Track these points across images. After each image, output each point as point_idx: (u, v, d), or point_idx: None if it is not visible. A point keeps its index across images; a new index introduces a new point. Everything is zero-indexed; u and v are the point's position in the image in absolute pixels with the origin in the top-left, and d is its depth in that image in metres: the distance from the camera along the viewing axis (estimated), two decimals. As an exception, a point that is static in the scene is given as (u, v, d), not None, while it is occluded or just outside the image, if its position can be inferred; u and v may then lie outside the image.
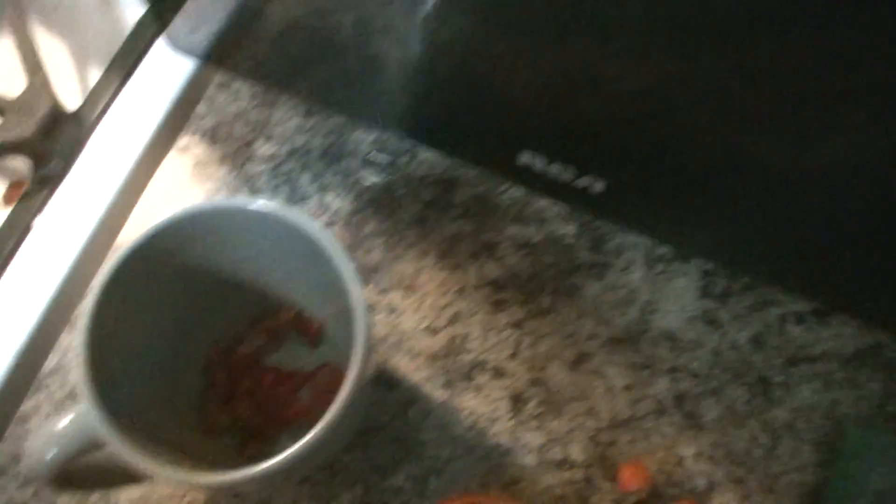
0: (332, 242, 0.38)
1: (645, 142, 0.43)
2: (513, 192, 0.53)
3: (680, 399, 0.49)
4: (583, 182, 0.46)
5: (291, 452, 0.34)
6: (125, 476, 0.41)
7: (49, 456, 0.36)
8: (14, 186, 0.59)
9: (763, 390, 0.48)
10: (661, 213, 0.48)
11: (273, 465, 0.34)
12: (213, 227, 0.40)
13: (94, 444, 0.36)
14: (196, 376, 0.47)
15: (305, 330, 0.47)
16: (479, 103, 0.48)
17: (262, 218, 0.39)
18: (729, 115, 0.39)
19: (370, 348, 0.37)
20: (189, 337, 0.46)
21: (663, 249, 0.51)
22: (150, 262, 0.40)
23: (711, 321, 0.50)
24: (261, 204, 0.39)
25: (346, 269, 0.37)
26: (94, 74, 0.60)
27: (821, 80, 0.34)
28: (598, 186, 0.46)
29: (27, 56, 0.57)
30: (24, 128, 0.54)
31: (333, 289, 0.39)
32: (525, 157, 0.47)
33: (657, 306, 0.50)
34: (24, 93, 0.56)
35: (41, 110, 0.55)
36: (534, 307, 0.50)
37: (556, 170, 0.46)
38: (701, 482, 0.47)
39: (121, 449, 0.35)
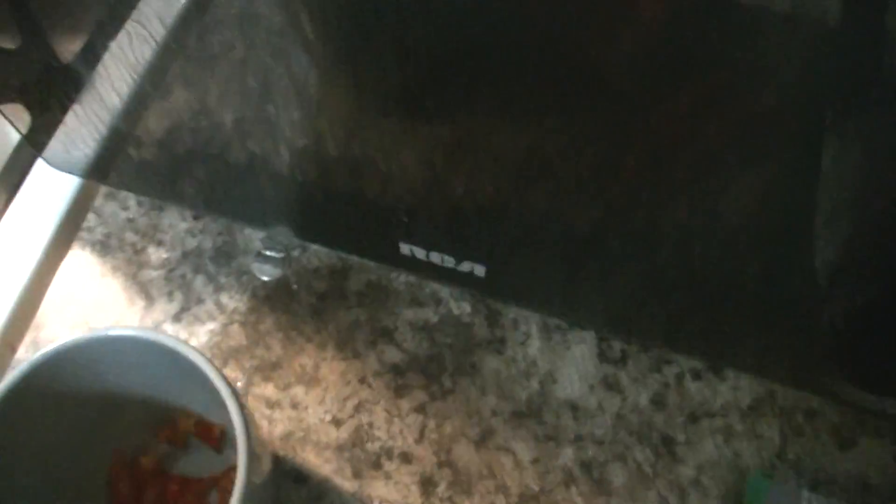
0: (203, 361, 0.38)
1: (510, 226, 0.44)
2: (405, 277, 0.54)
3: (587, 467, 0.49)
4: (465, 267, 0.47)
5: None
6: None
7: None
8: None
9: (667, 450, 0.49)
10: (544, 289, 0.49)
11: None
12: (88, 355, 0.40)
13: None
14: (99, 491, 0.46)
15: (208, 435, 0.47)
16: (353, 202, 0.49)
17: (129, 342, 0.40)
18: (590, 192, 0.40)
19: (255, 456, 0.36)
20: (88, 453, 0.45)
21: (557, 320, 0.52)
22: (28, 400, 0.39)
23: (612, 386, 0.51)
24: (121, 331, 0.40)
25: (220, 384, 0.37)
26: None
27: (683, 149, 0.36)
28: (480, 270, 0.47)
29: None
30: None
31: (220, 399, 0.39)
32: (406, 249, 0.47)
33: (557, 376, 0.51)
34: None
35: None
36: (436, 389, 0.51)
37: (437, 258, 0.47)
38: (615, 548, 0.47)
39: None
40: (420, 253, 0.47)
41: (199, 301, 0.54)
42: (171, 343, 0.38)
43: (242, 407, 0.37)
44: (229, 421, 0.42)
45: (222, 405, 0.40)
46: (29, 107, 0.53)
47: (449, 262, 0.47)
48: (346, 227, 0.51)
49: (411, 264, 0.49)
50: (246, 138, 0.50)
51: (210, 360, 0.38)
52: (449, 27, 0.35)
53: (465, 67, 0.37)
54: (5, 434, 0.39)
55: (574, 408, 0.50)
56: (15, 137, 0.60)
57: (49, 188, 0.57)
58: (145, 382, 0.44)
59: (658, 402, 0.50)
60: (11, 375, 0.39)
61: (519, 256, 0.46)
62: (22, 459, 0.41)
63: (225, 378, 0.37)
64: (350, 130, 0.45)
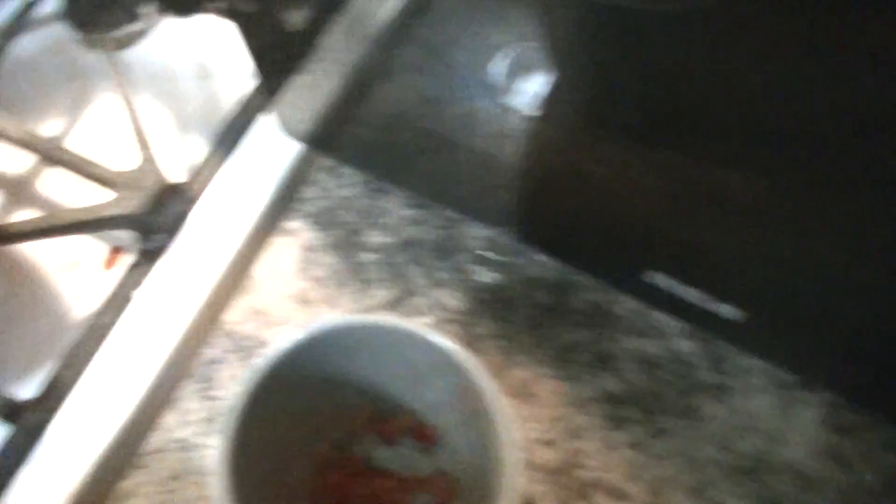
0: (485, 381, 0.37)
1: (791, 271, 0.41)
2: (630, 303, 0.51)
3: (806, 538, 0.46)
4: (714, 307, 0.45)
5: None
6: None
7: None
8: (114, 251, 0.57)
9: (892, 536, 0.46)
10: (795, 344, 0.46)
11: None
12: (344, 339, 0.39)
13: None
14: (308, 475, 0.44)
15: (420, 434, 0.45)
16: (597, 215, 0.46)
17: (398, 336, 0.38)
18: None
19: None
20: (304, 436, 0.43)
21: (787, 376, 0.49)
22: (279, 374, 0.39)
23: (839, 458, 0.48)
24: (399, 323, 0.39)
25: (500, 414, 0.36)
26: (196, 146, 0.58)
27: None
28: (733, 314, 0.44)
29: (136, 129, 0.56)
30: (135, 203, 0.53)
31: (462, 401, 0.37)
32: (651, 277, 0.45)
33: (780, 436, 0.48)
34: (136, 167, 0.54)
35: (150, 185, 0.54)
36: (653, 427, 0.48)
37: (687, 293, 0.44)
38: None
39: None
40: (669, 284, 0.44)
41: (414, 293, 0.52)
42: (442, 344, 0.37)
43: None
44: (454, 421, 0.40)
45: (458, 405, 0.38)
46: (261, 69, 0.52)
47: (700, 298, 0.44)
48: (583, 243, 0.49)
49: (650, 293, 0.46)
50: (477, 134, 0.49)
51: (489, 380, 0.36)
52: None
53: (723, 99, 0.35)
54: (252, 410, 0.38)
55: (797, 473, 0.47)
56: (230, 92, 0.60)
57: (270, 151, 0.57)
58: (377, 373, 0.43)
59: (889, 484, 0.47)
60: (271, 356, 0.38)
61: (787, 307, 0.43)
62: (254, 441, 0.39)
63: (502, 402, 0.36)
64: (592, 147, 0.43)
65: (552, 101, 0.44)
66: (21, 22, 0.66)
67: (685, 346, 0.50)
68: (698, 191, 0.41)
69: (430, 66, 0.51)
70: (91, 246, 0.56)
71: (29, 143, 0.57)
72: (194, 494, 0.47)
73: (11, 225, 0.55)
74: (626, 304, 0.51)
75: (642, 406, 0.49)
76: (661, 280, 0.45)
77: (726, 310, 0.44)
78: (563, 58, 0.43)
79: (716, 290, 0.43)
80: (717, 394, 0.49)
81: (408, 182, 0.55)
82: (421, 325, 0.38)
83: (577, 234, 0.49)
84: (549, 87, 0.45)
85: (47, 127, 0.61)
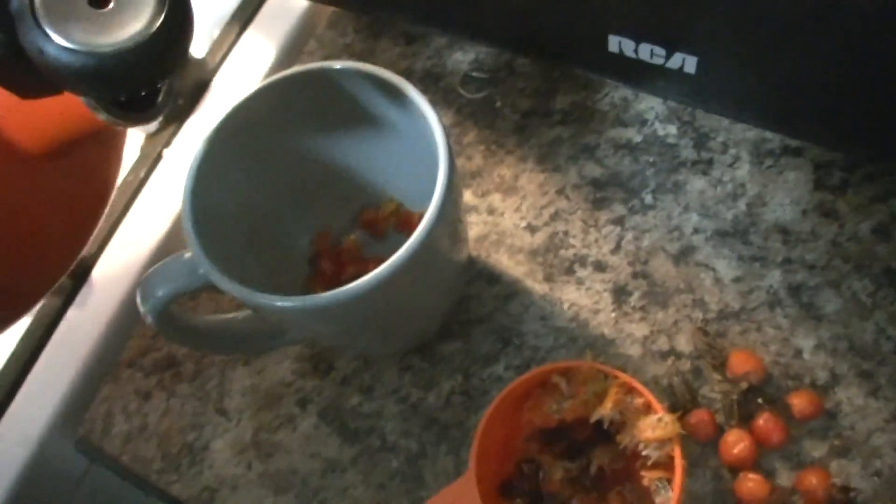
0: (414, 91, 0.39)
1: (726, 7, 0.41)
2: (612, 97, 0.52)
3: (795, 291, 0.46)
4: (675, 62, 0.45)
5: (378, 272, 0.35)
6: (224, 339, 0.43)
7: (161, 292, 0.38)
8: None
9: (889, 281, 0.45)
10: (763, 91, 0.46)
11: (361, 284, 0.35)
12: (305, 94, 0.42)
13: (199, 285, 0.38)
14: (302, 265, 0.48)
15: (406, 223, 0.48)
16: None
17: (346, 77, 0.41)
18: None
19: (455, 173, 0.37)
20: (294, 223, 0.47)
21: (772, 144, 0.49)
22: (250, 128, 0.42)
23: (828, 213, 0.47)
24: (342, 63, 0.41)
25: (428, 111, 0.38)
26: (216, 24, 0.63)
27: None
28: (691, 65, 0.45)
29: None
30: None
31: (427, 154, 0.39)
32: (615, 43, 0.46)
33: (767, 199, 0.48)
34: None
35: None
36: (636, 204, 0.49)
37: (646, 52, 0.45)
38: (822, 375, 0.44)
39: (218, 280, 0.37)
40: (629, 47, 0.45)
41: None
42: (380, 72, 0.39)
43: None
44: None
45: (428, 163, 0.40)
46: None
47: (658, 56, 0.45)
48: (554, 27, 0.50)
49: (618, 65, 0.47)
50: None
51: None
52: None
53: None
54: (222, 161, 0.41)
55: (784, 231, 0.47)
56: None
57: (277, 17, 0.61)
58: (352, 150, 0.46)
59: (881, 232, 0.46)
60: (241, 99, 0.41)
61: (735, 44, 0.43)
62: (232, 201, 0.43)
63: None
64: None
65: None
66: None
67: (667, 129, 0.51)
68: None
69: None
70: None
71: None
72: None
73: None
74: (607, 100, 0.53)
75: (625, 187, 0.50)
76: (622, 44, 0.46)
77: (680, 61, 0.44)
78: None
79: (663, 38, 0.44)
80: (702, 168, 0.50)
81: (401, 8, 0.57)
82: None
83: (548, 21, 0.50)
84: None
85: None
